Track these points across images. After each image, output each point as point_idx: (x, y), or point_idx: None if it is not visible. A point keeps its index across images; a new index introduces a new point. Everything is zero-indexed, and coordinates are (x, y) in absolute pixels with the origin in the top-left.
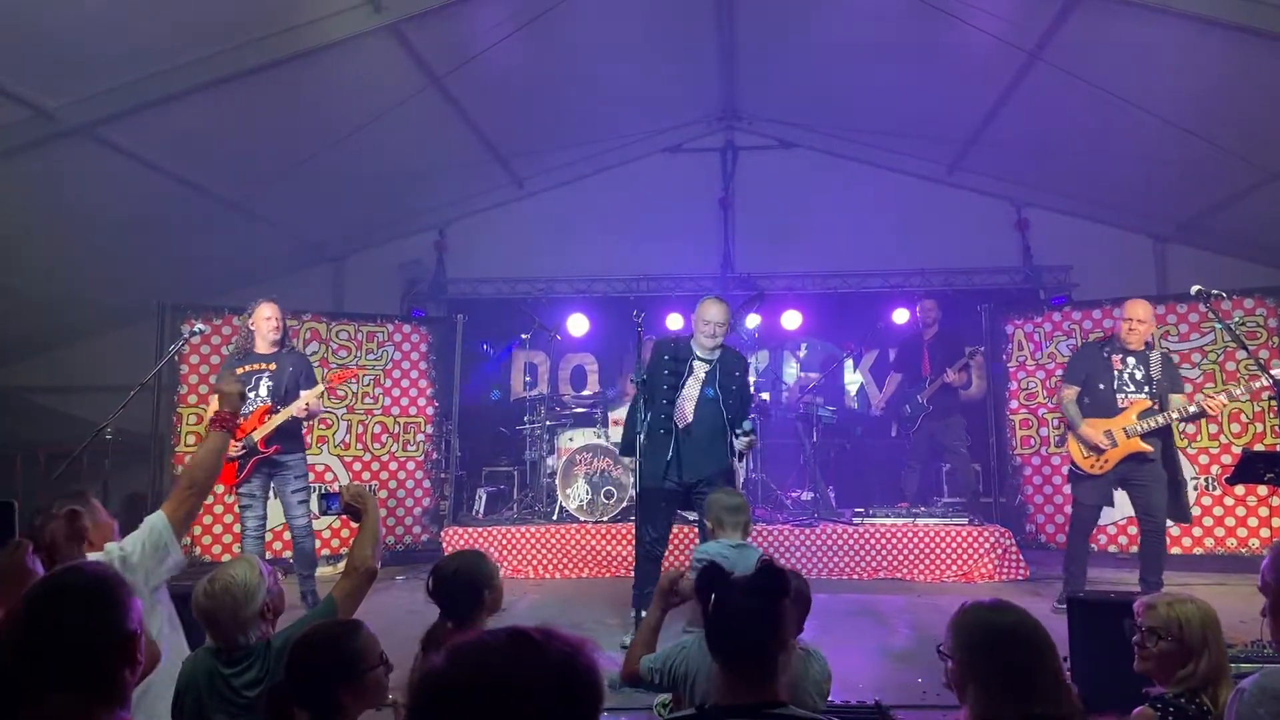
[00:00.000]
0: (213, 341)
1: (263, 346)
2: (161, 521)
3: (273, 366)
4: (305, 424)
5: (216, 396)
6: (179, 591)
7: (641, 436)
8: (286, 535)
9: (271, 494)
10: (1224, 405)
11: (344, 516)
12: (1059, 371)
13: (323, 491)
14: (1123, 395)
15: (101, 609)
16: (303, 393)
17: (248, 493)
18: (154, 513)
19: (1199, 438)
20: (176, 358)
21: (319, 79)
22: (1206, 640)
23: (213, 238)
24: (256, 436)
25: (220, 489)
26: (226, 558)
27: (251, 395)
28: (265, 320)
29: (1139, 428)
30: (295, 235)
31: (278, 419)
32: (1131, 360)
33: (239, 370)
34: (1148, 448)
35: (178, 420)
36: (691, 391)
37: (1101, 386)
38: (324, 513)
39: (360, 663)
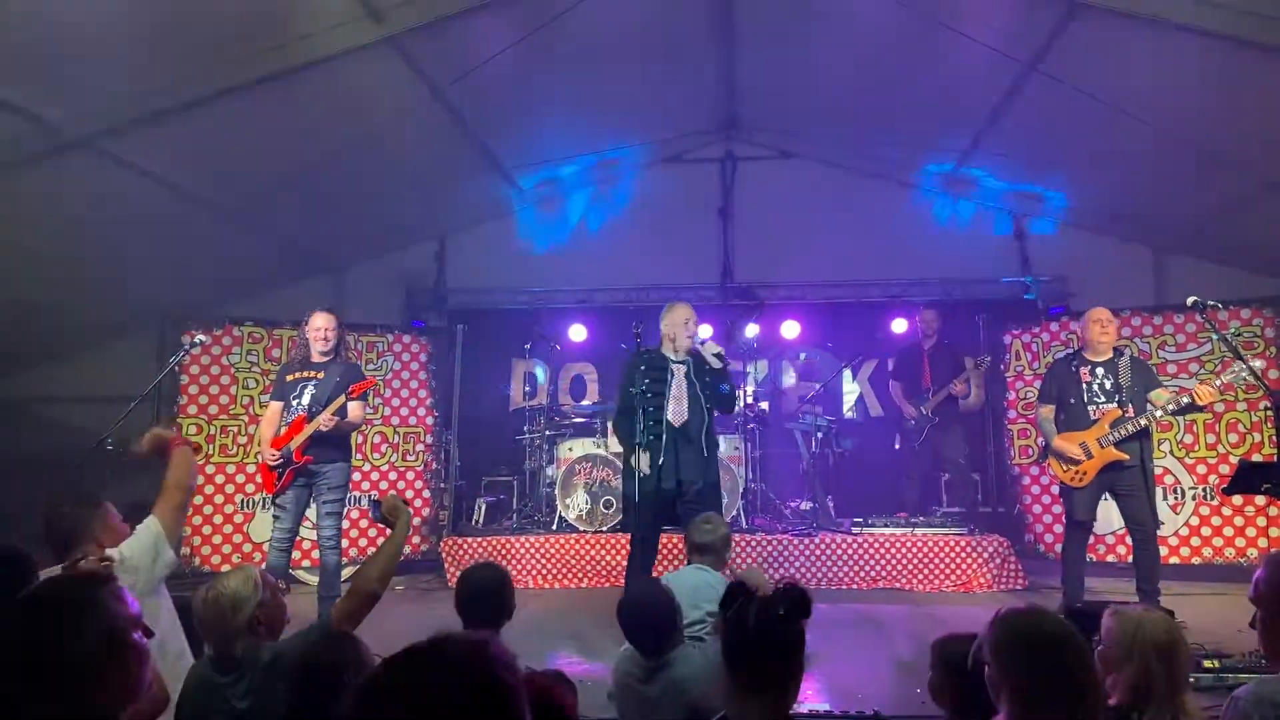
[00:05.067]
0: (213, 352)
1: (315, 356)
2: (153, 523)
3: (320, 375)
4: (356, 433)
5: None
6: (180, 603)
7: (626, 447)
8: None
9: (311, 504)
10: (1211, 394)
11: (381, 525)
12: (1036, 384)
13: (374, 498)
14: (1094, 407)
15: (67, 618)
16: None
17: (281, 503)
18: (148, 519)
19: (1197, 447)
20: (177, 369)
21: (320, 91)
22: (1132, 653)
23: (213, 249)
24: (293, 446)
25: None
26: (226, 567)
27: (295, 404)
28: (315, 330)
29: (1112, 436)
30: (296, 246)
31: (308, 430)
32: (1100, 370)
33: (289, 377)
34: (1124, 455)
35: (177, 430)
36: (679, 393)
37: (1073, 401)
38: (373, 518)
39: (364, 670)
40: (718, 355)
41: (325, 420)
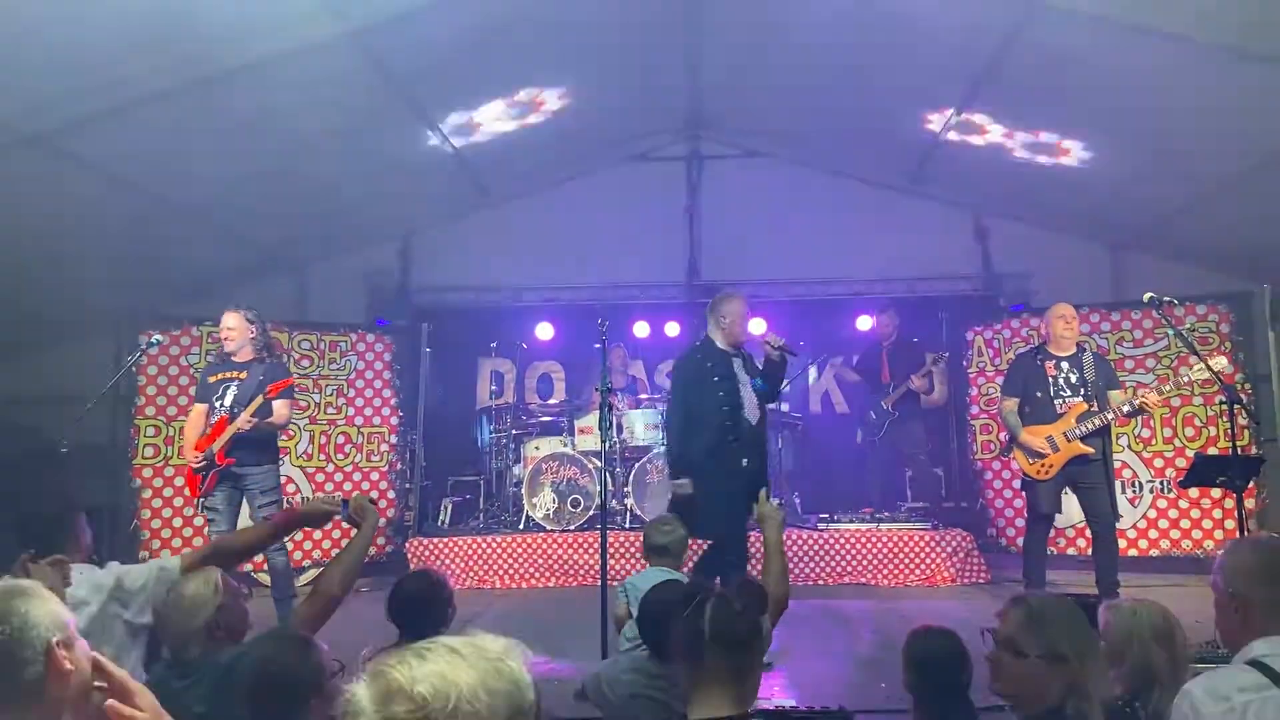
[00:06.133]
0: (170, 352)
1: (236, 355)
2: (176, 569)
3: (243, 375)
4: (280, 434)
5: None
6: None
7: (698, 446)
8: None
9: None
10: (1158, 402)
11: (348, 527)
12: (997, 380)
13: (339, 498)
14: (1060, 400)
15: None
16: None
17: (211, 506)
18: (171, 558)
19: (1154, 441)
20: (134, 369)
21: (281, 86)
22: (1131, 643)
23: (172, 247)
24: (214, 448)
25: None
26: None
27: (218, 405)
28: (221, 330)
29: (1078, 430)
30: (257, 244)
31: (228, 431)
32: (1065, 365)
33: (211, 379)
34: (1089, 449)
35: (135, 432)
36: (745, 389)
37: (1039, 394)
38: (340, 518)
39: (322, 675)
40: (783, 348)
41: (243, 422)
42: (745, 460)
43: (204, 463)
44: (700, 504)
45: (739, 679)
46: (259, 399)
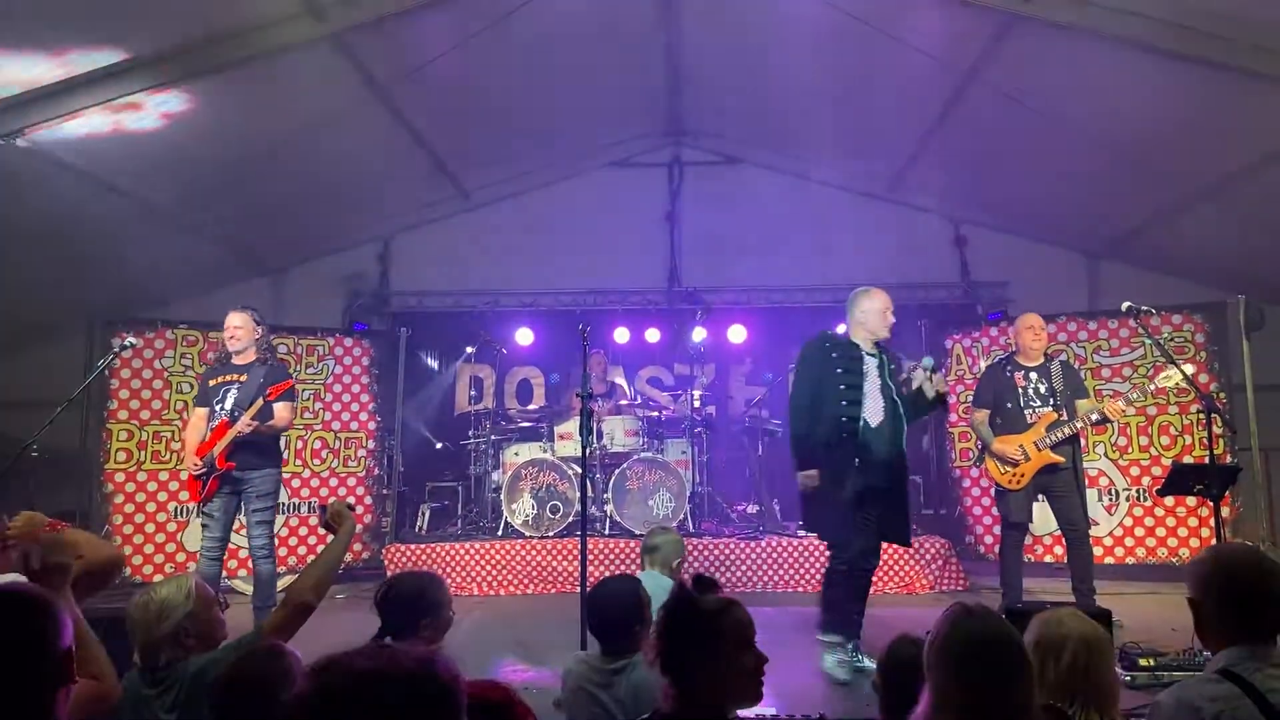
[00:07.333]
0: (144, 355)
1: (237, 358)
2: None
3: (243, 378)
4: (282, 438)
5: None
6: (111, 614)
7: (815, 440)
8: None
9: (241, 512)
10: (1122, 410)
11: (324, 533)
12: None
13: (316, 504)
14: (1030, 410)
15: (28, 628)
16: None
17: (209, 511)
18: None
19: (1130, 450)
20: (107, 372)
21: (258, 88)
22: (1040, 656)
23: (147, 249)
24: (215, 452)
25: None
26: (159, 577)
27: (218, 409)
28: (227, 330)
29: (1048, 439)
30: (233, 246)
31: (229, 435)
32: (1034, 375)
33: (211, 382)
34: (1059, 458)
35: (107, 436)
36: (873, 388)
37: (1009, 405)
38: (318, 523)
39: (292, 683)
40: (940, 396)
41: (244, 425)
42: (858, 460)
43: (205, 468)
44: (812, 499)
45: (712, 678)
46: (259, 402)
